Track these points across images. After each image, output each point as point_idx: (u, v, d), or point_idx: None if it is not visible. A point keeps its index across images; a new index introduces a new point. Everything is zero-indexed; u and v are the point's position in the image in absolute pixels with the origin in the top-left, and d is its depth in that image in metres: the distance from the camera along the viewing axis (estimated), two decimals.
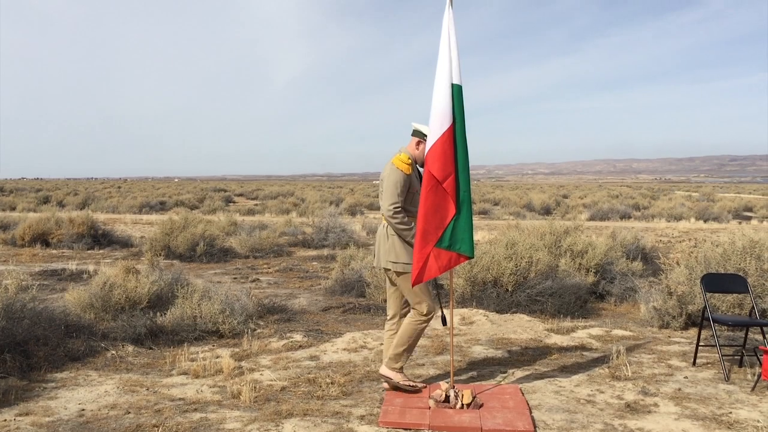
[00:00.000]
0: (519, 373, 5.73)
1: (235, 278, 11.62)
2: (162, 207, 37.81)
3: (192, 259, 13.76)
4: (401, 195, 4.98)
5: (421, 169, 5.05)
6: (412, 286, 4.85)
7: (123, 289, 7.28)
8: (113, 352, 6.29)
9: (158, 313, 7.10)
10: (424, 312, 5.03)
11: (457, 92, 4.72)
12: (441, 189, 4.73)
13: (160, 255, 13.19)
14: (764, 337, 6.01)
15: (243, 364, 6.00)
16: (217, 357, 6.15)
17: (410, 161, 5.06)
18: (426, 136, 4.93)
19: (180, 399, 5.05)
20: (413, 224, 4.95)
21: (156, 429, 4.34)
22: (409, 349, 5.10)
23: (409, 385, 5.04)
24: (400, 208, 4.96)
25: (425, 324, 5.09)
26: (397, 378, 5.05)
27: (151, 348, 6.55)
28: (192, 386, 5.36)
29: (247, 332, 6.99)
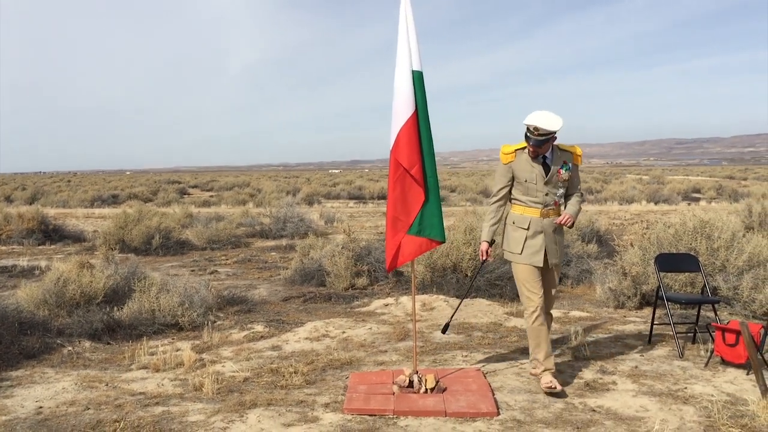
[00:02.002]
0: (480, 357, 5.80)
1: (192, 270, 11.47)
2: (114, 200, 37.11)
3: (148, 252, 13.55)
4: (497, 185, 5.07)
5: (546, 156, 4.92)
6: (387, 272, 4.94)
7: (77, 285, 7.12)
8: (70, 348, 6.16)
9: (115, 308, 6.97)
10: (525, 308, 4.97)
11: (418, 78, 4.73)
12: (409, 177, 4.76)
13: (114, 249, 12.94)
14: (716, 314, 6.19)
15: (204, 356, 5.95)
16: (178, 350, 6.07)
17: (512, 150, 4.94)
18: (545, 131, 4.72)
19: (141, 393, 4.97)
20: (505, 212, 5.10)
21: (117, 424, 4.27)
22: (535, 349, 4.92)
23: (547, 388, 4.78)
24: (493, 197, 5.10)
25: (531, 320, 4.89)
26: (541, 381, 4.85)
27: (108, 343, 6.44)
28: (152, 380, 5.28)
29: (207, 324, 6.92)
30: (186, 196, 43.79)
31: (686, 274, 7.42)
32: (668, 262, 6.37)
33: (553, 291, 5.15)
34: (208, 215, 18.79)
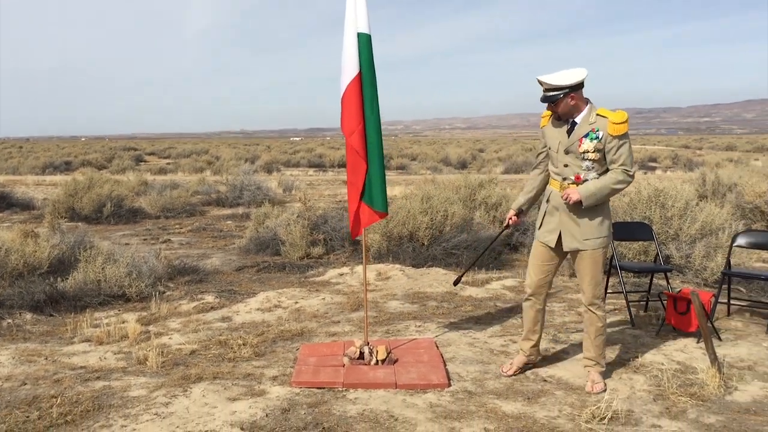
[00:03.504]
0: (434, 327, 5.74)
1: (144, 239, 11.19)
2: (67, 167, 36.09)
3: (99, 220, 13.19)
4: (539, 150, 4.64)
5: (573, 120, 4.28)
6: (352, 239, 4.67)
7: (20, 254, 6.82)
8: (9, 320, 5.92)
9: (59, 279, 6.72)
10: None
11: (364, 41, 4.55)
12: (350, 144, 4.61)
13: (63, 217, 12.54)
14: (668, 283, 6.22)
15: (150, 328, 5.77)
16: (123, 322, 5.89)
17: (548, 114, 4.41)
18: (550, 85, 4.19)
19: (81, 367, 4.79)
20: (543, 181, 4.63)
21: (54, 400, 4.09)
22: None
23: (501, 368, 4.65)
24: (534, 164, 4.69)
25: (523, 300, 4.70)
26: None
27: (51, 315, 6.21)
28: (95, 353, 5.10)
29: (155, 295, 6.71)
30: (142, 163, 42.87)
31: (640, 242, 7.45)
32: (622, 230, 6.36)
33: (586, 281, 4.34)
34: (164, 183, 18.33)
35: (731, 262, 6.17)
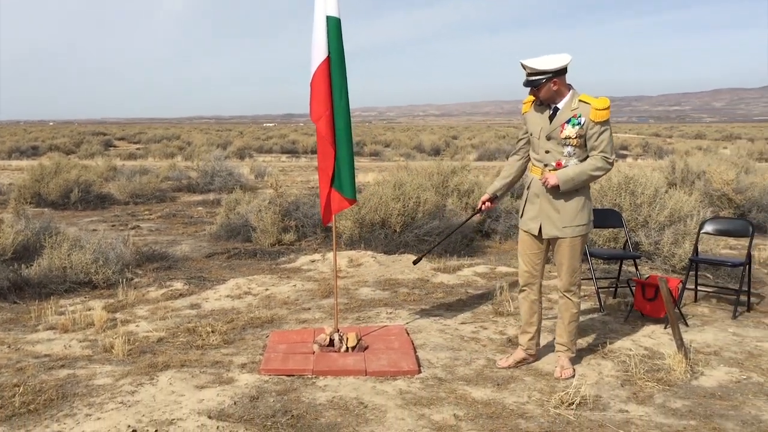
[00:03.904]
0: (405, 314, 5.72)
1: (113, 225, 11.03)
2: (34, 152, 35.41)
3: (66, 206, 12.98)
4: (519, 136, 4.57)
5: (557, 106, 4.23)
6: (323, 225, 4.54)
7: None
8: None
9: (24, 265, 6.58)
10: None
11: (333, 25, 4.47)
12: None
13: (28, 203, 12.31)
14: (637, 269, 6.28)
15: (117, 315, 5.68)
16: (89, 309, 5.78)
17: (530, 99, 4.36)
18: (533, 69, 4.13)
19: (46, 356, 4.70)
20: (521, 168, 4.61)
21: (17, 389, 3.99)
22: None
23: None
24: (514, 150, 4.62)
25: (518, 291, 4.67)
26: None
27: (15, 302, 6.10)
28: (60, 341, 5.00)
29: (122, 282, 6.60)
30: (111, 148, 42.25)
31: (610, 229, 7.50)
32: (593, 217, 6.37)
33: (563, 268, 4.36)
34: (134, 168, 18.07)
35: (699, 249, 6.24)
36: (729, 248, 8.42)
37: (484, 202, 4.68)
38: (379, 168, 22.10)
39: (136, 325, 5.40)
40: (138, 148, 40.24)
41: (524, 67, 4.16)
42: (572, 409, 3.77)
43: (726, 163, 11.77)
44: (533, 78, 4.15)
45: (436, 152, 36.42)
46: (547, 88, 4.15)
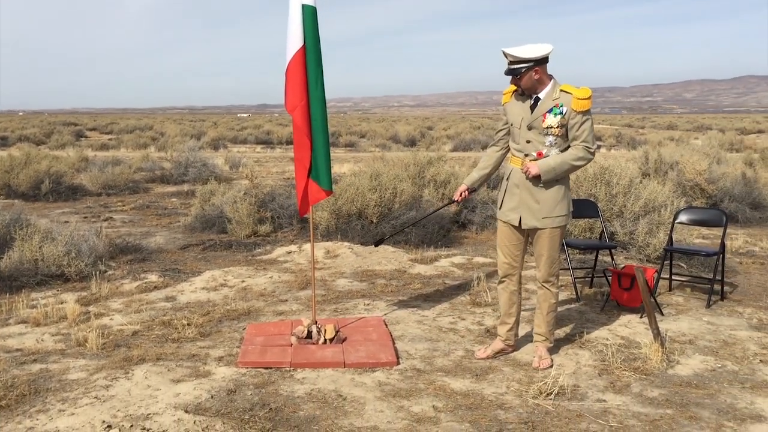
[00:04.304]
0: (383, 305, 5.71)
1: (85, 217, 10.86)
2: (3, 143, 34.72)
3: (37, 198, 12.77)
4: (497, 128, 4.54)
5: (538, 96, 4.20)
6: (300, 217, 4.46)
7: None
8: None
9: None
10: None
11: (309, 13, 4.41)
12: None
13: None
14: (613, 259, 6.32)
15: (91, 308, 5.58)
16: (62, 303, 5.68)
17: (510, 90, 4.35)
18: (515, 57, 4.11)
19: (17, 350, 4.61)
20: (500, 159, 4.59)
21: None
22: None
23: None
24: (492, 141, 4.57)
25: (497, 283, 4.65)
26: None
27: None
28: (32, 335, 4.91)
29: (95, 275, 6.49)
30: (83, 139, 41.58)
31: (586, 219, 7.54)
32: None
33: (542, 259, 4.36)
34: (106, 159, 17.78)
35: (673, 239, 6.30)
36: (702, 238, 8.53)
37: (462, 192, 4.64)
38: (354, 159, 22.04)
39: (110, 319, 5.32)
40: (110, 139, 39.68)
41: (506, 55, 4.15)
42: (550, 399, 3.79)
43: (698, 154, 11.90)
44: (515, 66, 4.13)
45: (411, 143, 36.39)
46: (528, 76, 4.14)
